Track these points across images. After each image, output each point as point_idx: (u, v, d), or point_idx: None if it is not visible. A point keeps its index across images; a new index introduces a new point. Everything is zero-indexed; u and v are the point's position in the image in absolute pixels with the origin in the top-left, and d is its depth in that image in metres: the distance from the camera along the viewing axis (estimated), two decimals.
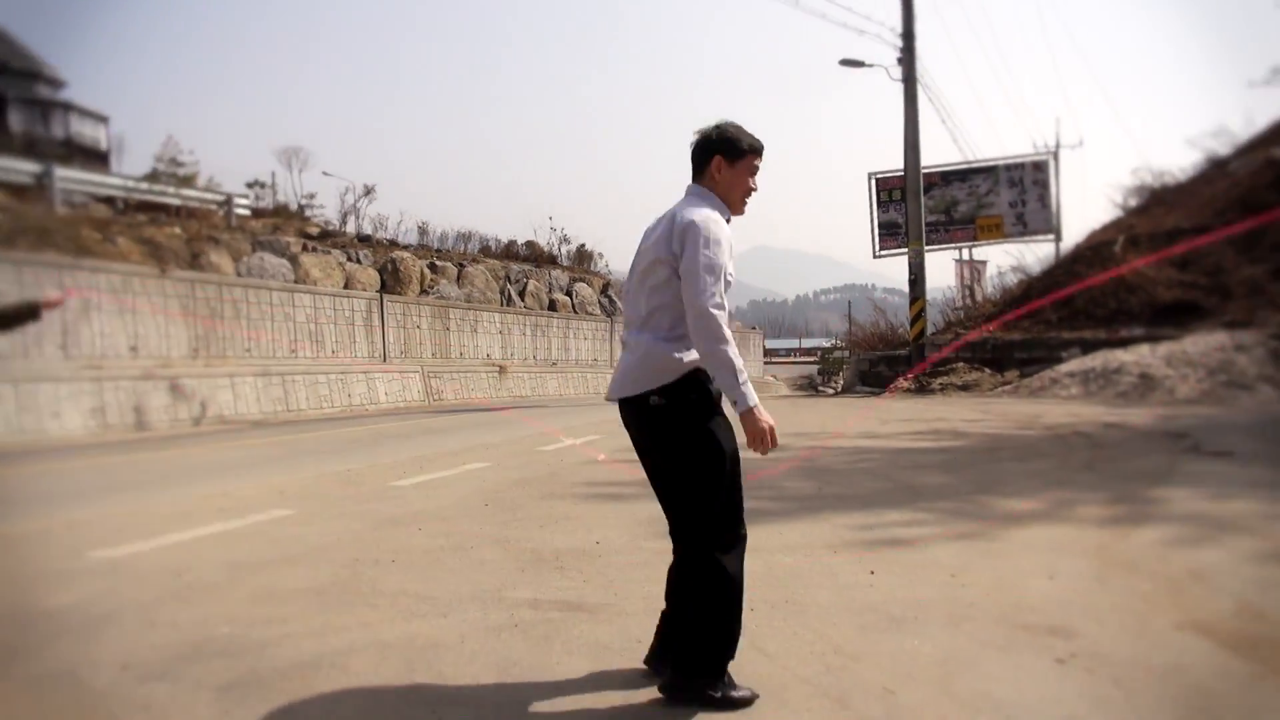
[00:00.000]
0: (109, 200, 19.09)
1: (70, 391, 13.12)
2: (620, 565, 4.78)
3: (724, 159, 3.05)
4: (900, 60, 19.12)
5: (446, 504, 6.65)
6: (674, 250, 2.89)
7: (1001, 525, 5.76)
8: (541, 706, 2.99)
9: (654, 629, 3.25)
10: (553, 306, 28.94)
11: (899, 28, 19.08)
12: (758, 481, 7.21)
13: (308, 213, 28.01)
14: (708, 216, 2.92)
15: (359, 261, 21.98)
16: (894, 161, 21.96)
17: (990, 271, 25.27)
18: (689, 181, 3.14)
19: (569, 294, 30.13)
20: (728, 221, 3.01)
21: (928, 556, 4.98)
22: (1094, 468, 8.00)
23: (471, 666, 3.32)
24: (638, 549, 5.14)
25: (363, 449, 10.76)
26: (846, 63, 19.31)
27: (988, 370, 18.41)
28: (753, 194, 3.14)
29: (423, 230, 27.25)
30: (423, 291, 23.50)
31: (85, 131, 40.93)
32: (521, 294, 27.80)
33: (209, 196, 20.08)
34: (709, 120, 3.16)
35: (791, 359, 71.73)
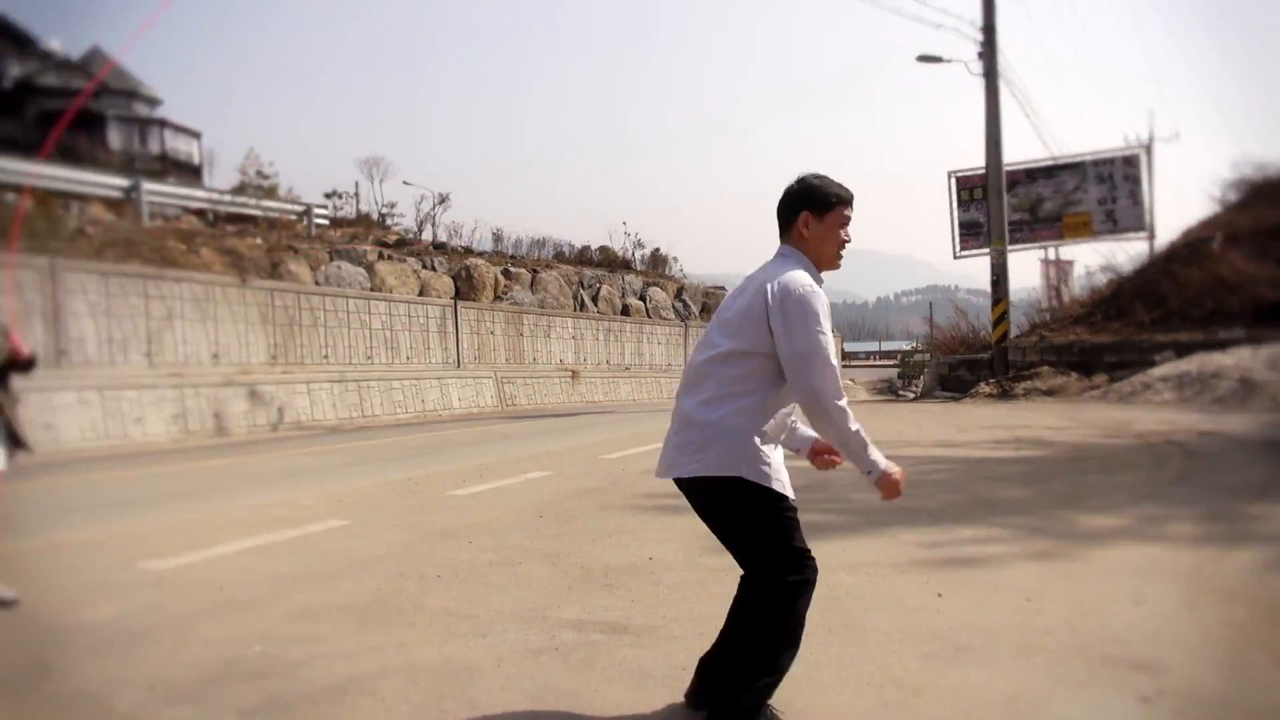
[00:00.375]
0: (200, 213, 19.71)
1: (153, 398, 13.49)
2: (672, 584, 4.58)
3: (811, 214, 2.81)
4: (981, 54, 18.48)
5: (501, 515, 6.53)
6: (770, 324, 2.68)
7: (1083, 544, 5.39)
8: None
9: (701, 655, 3.05)
10: (626, 311, 28.87)
11: (979, 21, 18.45)
12: (824, 494, 6.93)
13: (388, 221, 28.54)
14: (805, 285, 2.68)
15: (434, 269, 22.23)
16: (975, 159, 21.27)
17: (1078, 271, 24.30)
18: (775, 226, 2.90)
19: (642, 298, 30.03)
20: (820, 283, 2.77)
21: (1001, 578, 4.66)
22: (1188, 480, 7.49)
23: (505, 693, 3.16)
24: (692, 565, 4.93)
25: (429, 456, 10.77)
26: (924, 59, 18.75)
27: (1074, 374, 17.63)
28: (846, 246, 2.90)
29: (497, 237, 27.47)
30: (496, 298, 23.65)
31: (179, 147, 42.62)
32: (595, 299, 27.80)
33: (289, 207, 20.54)
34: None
35: (871, 362, 70.46)
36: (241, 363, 15.74)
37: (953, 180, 23.11)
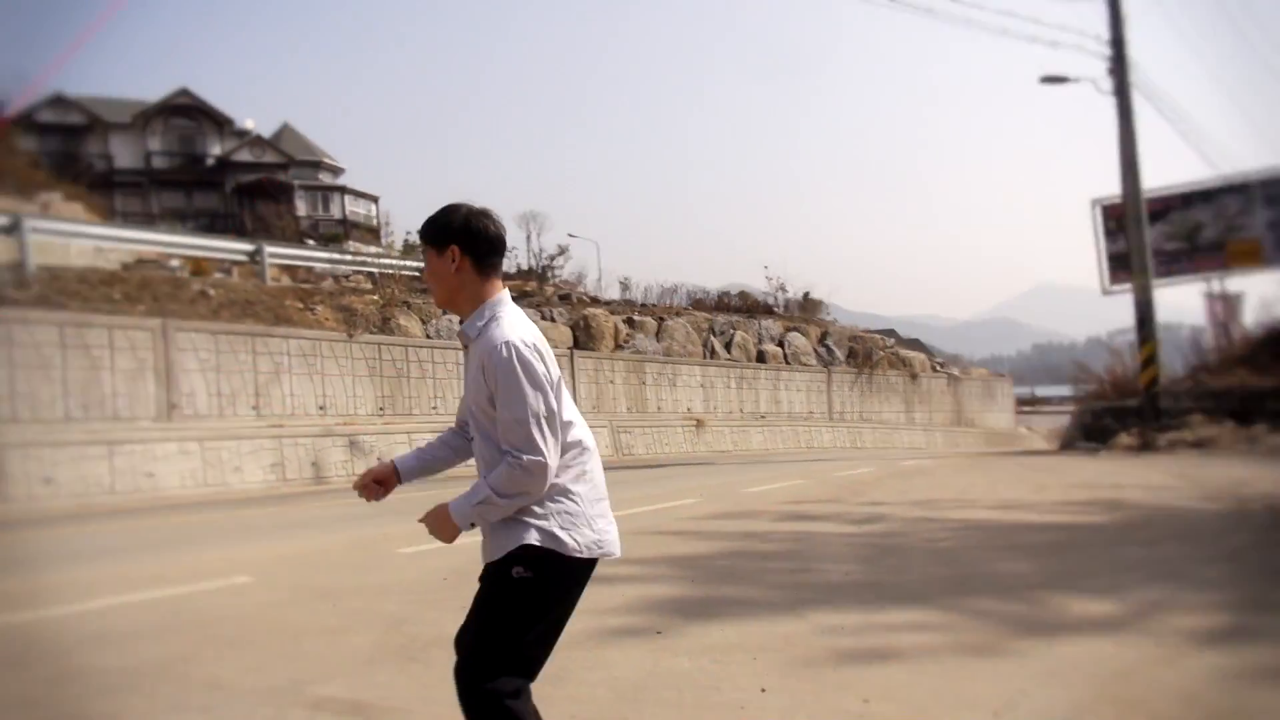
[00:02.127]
0: (370, 274, 21.03)
1: (252, 448, 14.29)
2: None
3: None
4: (1111, 71, 16.94)
5: (418, 579, 6.30)
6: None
7: (1029, 635, 4.61)
8: None
9: None
10: (761, 358, 28.21)
11: (1106, 35, 16.93)
12: (789, 559, 6.33)
13: (549, 274, 29.43)
14: None
15: (553, 320, 22.58)
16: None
17: (1252, 303, 21.58)
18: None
19: (781, 344, 29.27)
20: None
21: (874, 674, 4.02)
22: (1240, 558, 6.31)
23: None
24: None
25: None
26: (1048, 80, 17.40)
27: (1230, 423, 15.56)
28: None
29: (624, 286, 27.67)
30: (618, 346, 23.72)
31: (359, 210, 45.79)
32: (728, 346, 27.35)
33: (411, 264, 21.48)
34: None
35: (1063, 408, 65.43)
36: (348, 414, 16.46)
37: (1098, 209, 21.21)
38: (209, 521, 10.23)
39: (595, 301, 25.47)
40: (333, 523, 9.77)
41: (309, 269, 21.50)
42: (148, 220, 36.23)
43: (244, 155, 41.71)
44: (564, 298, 24.80)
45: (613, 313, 24.59)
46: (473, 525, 2.48)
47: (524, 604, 2.47)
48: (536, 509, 2.47)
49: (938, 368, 35.25)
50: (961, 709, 3.68)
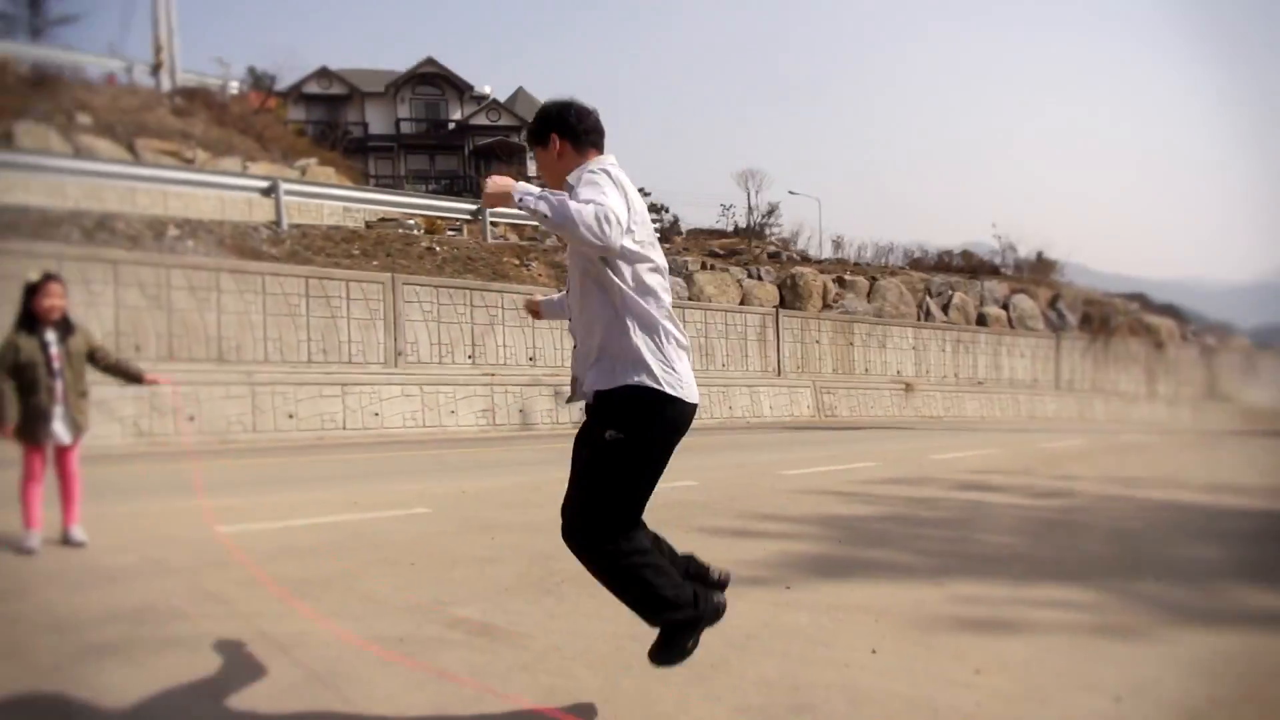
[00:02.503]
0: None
1: (466, 394, 15.37)
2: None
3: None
4: None
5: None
6: None
7: (1193, 623, 4.29)
8: None
9: None
10: (982, 321, 26.81)
11: None
12: (949, 527, 6.14)
13: (766, 232, 29.46)
14: None
15: (759, 278, 22.51)
16: None
17: None
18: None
19: (1005, 307, 27.67)
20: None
21: (1011, 647, 3.91)
22: None
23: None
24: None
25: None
26: None
27: None
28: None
29: (837, 244, 27.07)
30: (826, 306, 23.32)
31: None
32: (945, 308, 26.20)
33: None
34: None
35: None
36: (556, 365, 17.29)
37: None
38: (416, 458, 11.16)
39: (805, 260, 25.12)
40: (521, 466, 10.39)
41: (534, 226, 22.56)
42: (395, 182, 39.28)
43: (481, 119, 44.06)
44: (773, 256, 24.64)
45: (823, 271, 24.17)
46: (521, 204, 2.55)
47: (621, 463, 2.73)
48: (626, 358, 2.74)
49: (1189, 336, 32.06)
50: (1079, 690, 3.50)
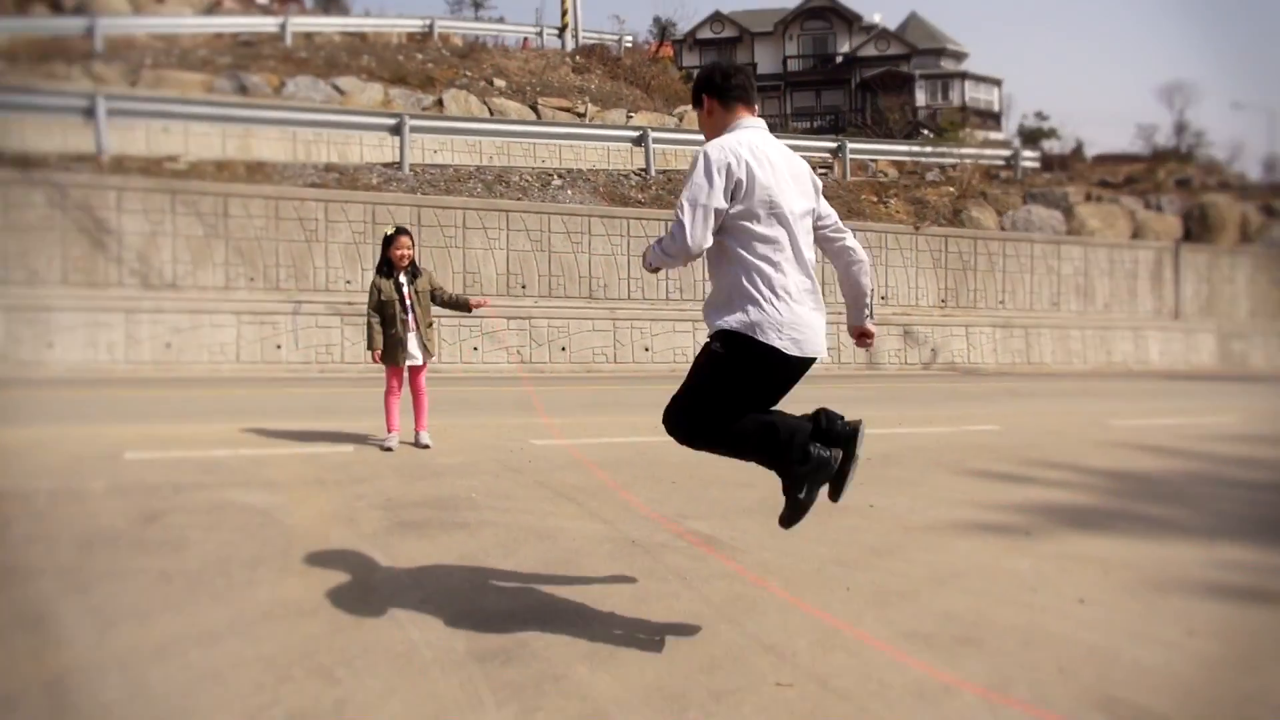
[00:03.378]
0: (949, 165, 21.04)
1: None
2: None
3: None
4: None
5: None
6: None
7: None
8: None
9: None
10: None
11: None
12: (1251, 488, 5.55)
13: (1193, 153, 26.12)
14: None
15: (1158, 209, 20.02)
16: None
17: None
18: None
19: None
20: None
21: (1240, 614, 3.74)
22: None
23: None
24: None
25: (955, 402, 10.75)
26: None
27: None
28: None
29: (1270, 165, 23.05)
30: (1245, 239, 20.15)
31: (980, 96, 44.59)
32: None
33: (993, 153, 20.73)
34: None
35: None
36: (909, 304, 17.04)
37: None
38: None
39: (1224, 186, 21.78)
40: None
41: (915, 161, 21.98)
42: (781, 121, 39.96)
43: (869, 50, 43.18)
44: (1181, 184, 21.68)
45: (1245, 198, 20.86)
46: (648, 262, 3.29)
47: (717, 374, 3.19)
48: (735, 302, 3.15)
49: None
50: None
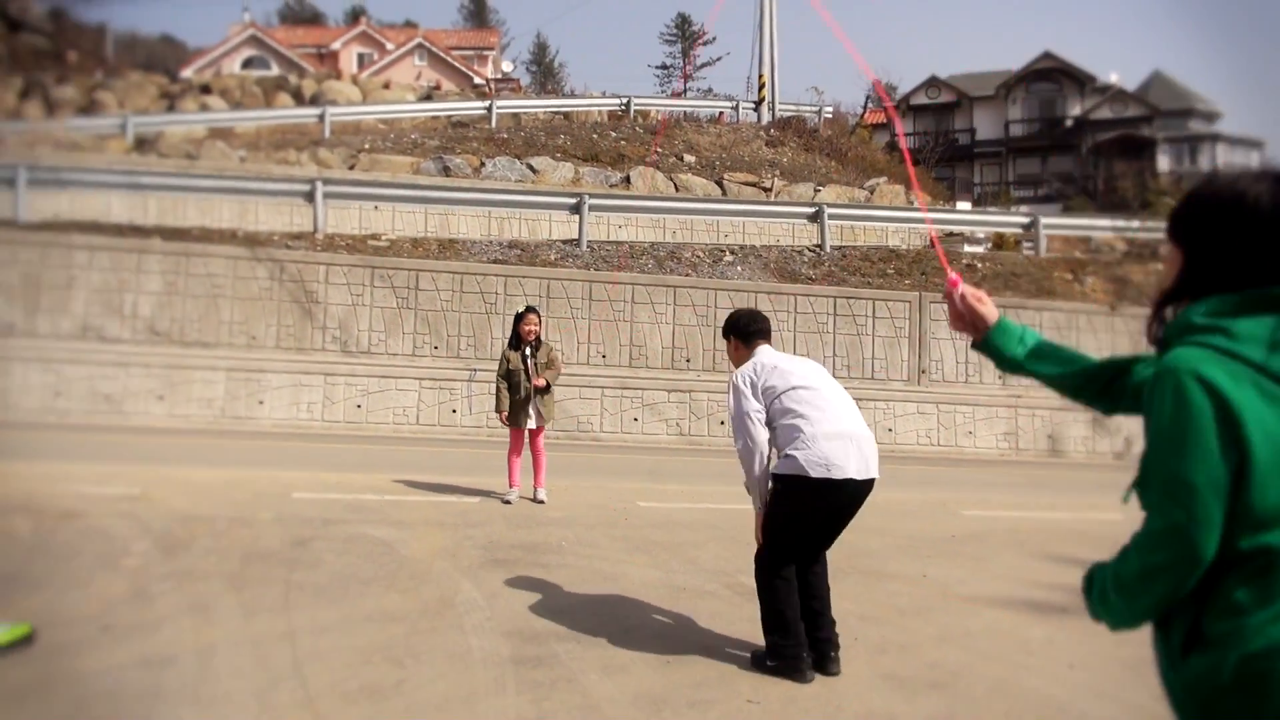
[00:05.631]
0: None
1: (988, 414, 15.93)
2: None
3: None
4: None
5: (932, 534, 7.40)
6: None
7: None
8: None
9: None
10: None
11: None
12: None
13: None
14: None
15: None
16: None
17: None
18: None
19: None
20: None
21: None
22: None
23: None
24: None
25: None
26: None
27: None
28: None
29: None
30: None
31: (1235, 159, 42.32)
32: None
33: None
34: None
35: None
36: None
37: None
38: (928, 472, 12.38)
39: None
40: (931, 485, 11.04)
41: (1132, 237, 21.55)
42: (1000, 190, 39.56)
43: (1104, 112, 42.01)
44: None
45: None
46: (750, 494, 4.55)
47: (777, 510, 4.39)
48: (781, 449, 4.40)
49: None
50: None
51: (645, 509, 8.05)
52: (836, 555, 6.50)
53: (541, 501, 7.96)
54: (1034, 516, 8.88)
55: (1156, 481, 1.74)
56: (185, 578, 5.43)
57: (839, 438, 4.31)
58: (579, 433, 14.16)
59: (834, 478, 4.22)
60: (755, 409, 4.41)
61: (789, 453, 4.29)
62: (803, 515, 4.37)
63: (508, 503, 7.87)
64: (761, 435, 4.39)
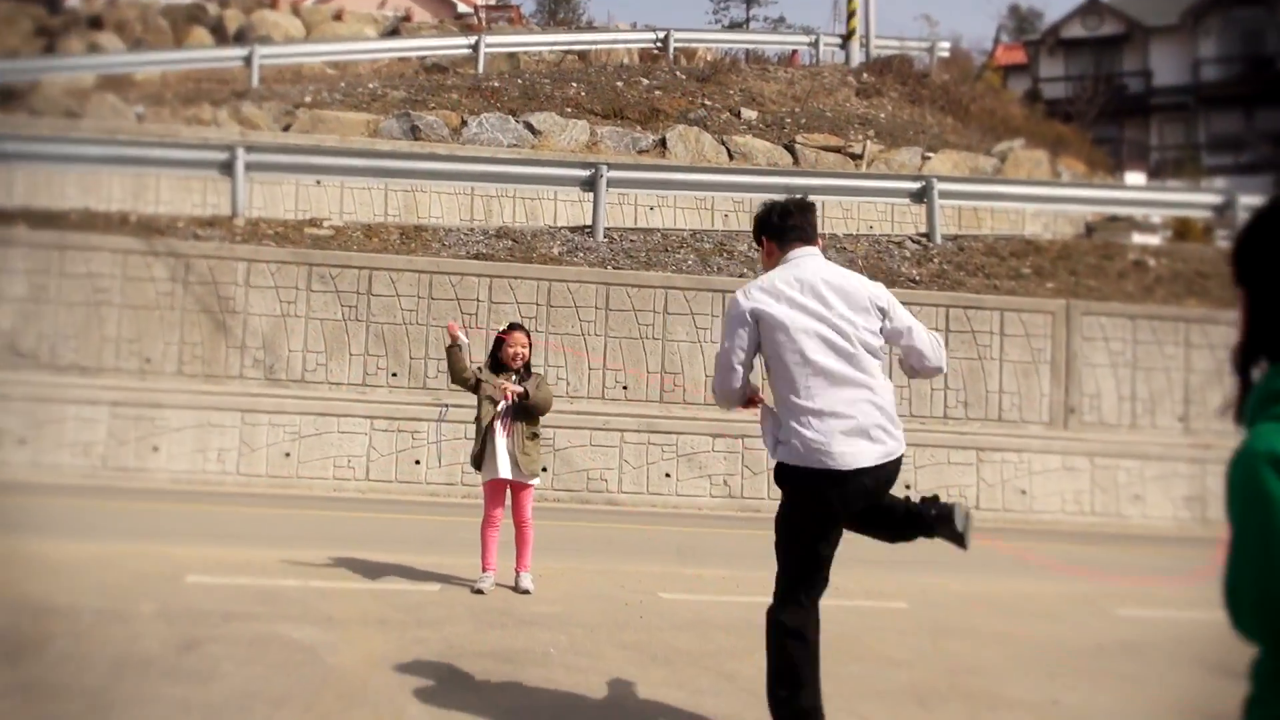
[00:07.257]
0: None
1: (1162, 471, 15.74)
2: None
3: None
4: None
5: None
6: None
7: None
8: None
9: None
10: None
11: None
12: None
13: None
14: None
15: None
16: None
17: None
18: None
19: None
20: None
21: None
22: None
23: None
24: None
25: None
26: None
27: None
28: None
29: None
30: None
31: None
32: None
33: None
34: None
35: None
36: None
37: None
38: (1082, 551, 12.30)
39: None
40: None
41: None
42: (1189, 155, 39.27)
43: None
44: None
45: None
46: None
47: (781, 529, 4.89)
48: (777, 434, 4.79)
49: None
50: None
51: (669, 602, 8.06)
52: (933, 672, 6.49)
53: (526, 591, 7.99)
54: (1218, 619, 8.74)
55: (1245, 602, 1.74)
56: (31, 694, 5.50)
57: (838, 414, 4.73)
58: (590, 493, 14.18)
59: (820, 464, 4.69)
60: (740, 360, 4.93)
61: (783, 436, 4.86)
62: (812, 522, 4.87)
63: (479, 592, 7.91)
64: (730, 394, 5.14)
